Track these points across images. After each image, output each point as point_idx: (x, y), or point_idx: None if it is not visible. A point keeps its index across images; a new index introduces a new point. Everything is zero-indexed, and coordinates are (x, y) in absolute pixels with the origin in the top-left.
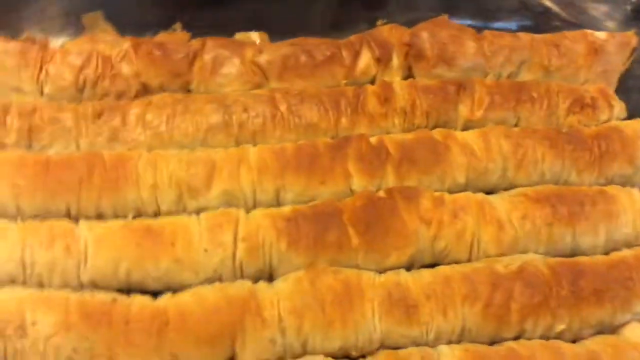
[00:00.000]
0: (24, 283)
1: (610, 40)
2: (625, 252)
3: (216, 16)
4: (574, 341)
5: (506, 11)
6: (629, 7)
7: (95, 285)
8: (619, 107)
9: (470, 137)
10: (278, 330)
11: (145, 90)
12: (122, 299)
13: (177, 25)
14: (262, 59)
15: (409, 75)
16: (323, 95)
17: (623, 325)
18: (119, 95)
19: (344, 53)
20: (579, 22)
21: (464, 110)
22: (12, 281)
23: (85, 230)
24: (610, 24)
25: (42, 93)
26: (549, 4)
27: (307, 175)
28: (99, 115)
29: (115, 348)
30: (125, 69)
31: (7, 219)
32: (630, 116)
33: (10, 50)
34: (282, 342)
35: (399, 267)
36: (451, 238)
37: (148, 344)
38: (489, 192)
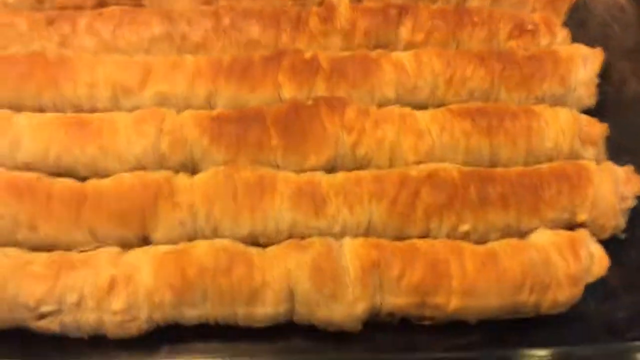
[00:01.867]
0: None
1: None
2: (542, 165)
3: None
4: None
5: None
6: None
7: (29, 168)
8: (563, 35)
9: (404, 55)
10: (189, 214)
11: (101, 4)
12: (46, 178)
13: None
14: None
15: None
16: (266, 13)
17: (531, 230)
18: (77, 8)
19: None
20: None
21: (404, 32)
22: None
23: (22, 118)
24: None
25: (5, 3)
26: None
27: (238, 82)
28: (51, 22)
29: (38, 219)
30: None
31: None
32: None
33: None
34: (192, 226)
35: (318, 170)
36: (372, 145)
37: (67, 217)
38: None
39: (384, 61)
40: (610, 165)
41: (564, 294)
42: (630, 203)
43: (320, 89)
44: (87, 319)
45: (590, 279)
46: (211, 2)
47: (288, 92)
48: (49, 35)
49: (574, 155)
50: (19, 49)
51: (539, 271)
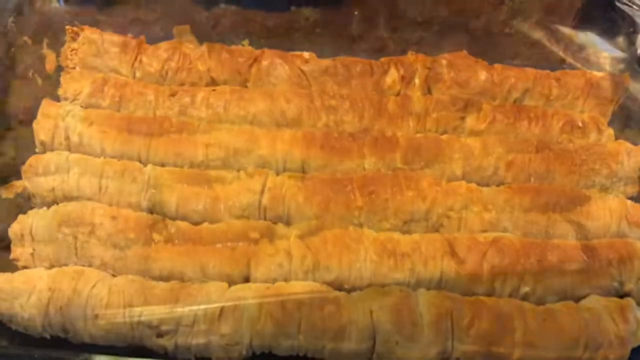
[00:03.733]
0: (99, 201)
1: (605, 78)
2: (594, 242)
3: (278, 43)
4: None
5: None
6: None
7: (151, 213)
8: (608, 132)
9: (470, 140)
10: (286, 258)
11: (213, 83)
12: (168, 220)
13: (246, 42)
14: (307, 67)
15: (428, 94)
16: (351, 98)
17: (584, 297)
18: (192, 85)
19: (375, 69)
20: None
21: (470, 121)
22: (90, 198)
23: (150, 169)
24: None
25: (134, 76)
26: (563, 55)
27: (329, 152)
28: (174, 94)
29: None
30: (200, 65)
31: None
32: None
33: (115, 42)
34: (288, 268)
35: (395, 231)
36: (442, 212)
37: (183, 253)
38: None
39: (453, 143)
40: None
41: (614, 354)
42: None
43: (398, 162)
44: (198, 340)
45: (637, 342)
46: (304, 87)
47: (370, 163)
48: (171, 105)
49: (620, 235)
50: (146, 114)
51: (593, 330)
